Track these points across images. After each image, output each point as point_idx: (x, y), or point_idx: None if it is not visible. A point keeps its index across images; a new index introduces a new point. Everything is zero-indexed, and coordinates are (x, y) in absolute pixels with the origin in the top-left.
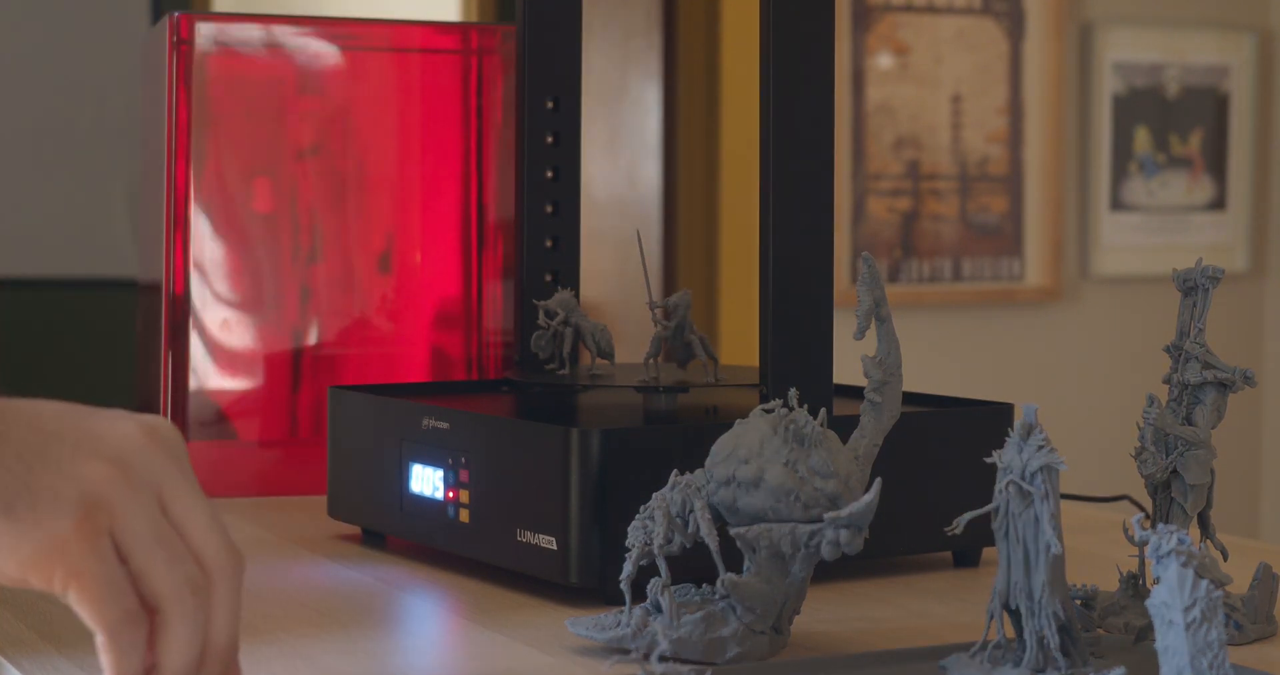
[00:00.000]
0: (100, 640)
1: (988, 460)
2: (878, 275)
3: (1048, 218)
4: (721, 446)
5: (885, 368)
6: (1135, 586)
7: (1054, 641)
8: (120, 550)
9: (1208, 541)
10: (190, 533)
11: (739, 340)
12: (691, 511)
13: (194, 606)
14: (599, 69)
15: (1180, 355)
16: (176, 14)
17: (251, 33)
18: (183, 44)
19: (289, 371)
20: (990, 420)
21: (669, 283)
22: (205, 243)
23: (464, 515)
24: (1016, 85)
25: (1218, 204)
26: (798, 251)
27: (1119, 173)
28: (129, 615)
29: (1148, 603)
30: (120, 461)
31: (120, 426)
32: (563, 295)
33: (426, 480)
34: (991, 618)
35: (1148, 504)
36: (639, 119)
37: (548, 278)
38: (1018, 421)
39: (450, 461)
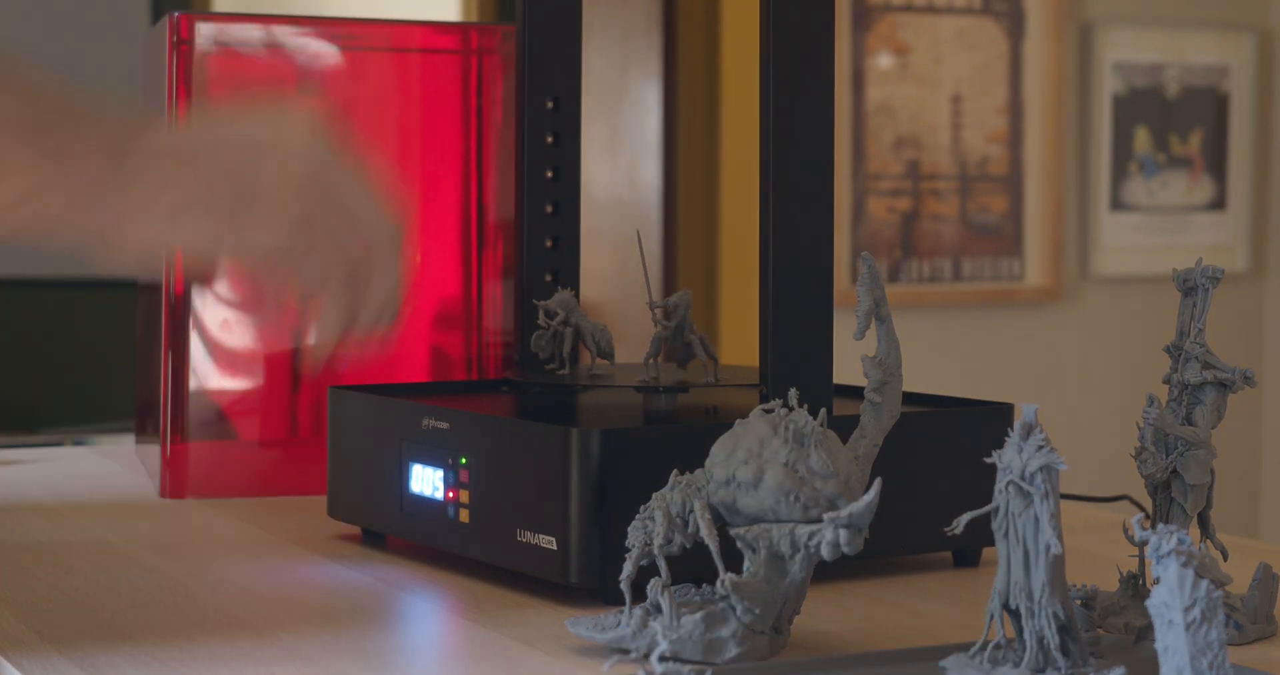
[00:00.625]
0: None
1: (988, 460)
2: (878, 275)
3: (1048, 218)
4: (721, 446)
5: (885, 368)
6: (1135, 586)
7: (1054, 641)
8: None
9: (1208, 541)
10: None
11: (739, 340)
12: (691, 511)
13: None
14: (599, 69)
15: (1180, 355)
16: (176, 14)
17: (251, 33)
18: (183, 44)
19: (289, 371)
20: (990, 420)
21: (669, 283)
22: None
23: (464, 515)
24: (1016, 85)
25: (1218, 204)
26: (798, 251)
27: (1119, 173)
28: None
29: (1148, 603)
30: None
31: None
32: (563, 295)
33: (426, 480)
34: (991, 618)
35: (1148, 504)
36: (639, 119)
37: (548, 278)
38: (1018, 421)
39: (450, 461)
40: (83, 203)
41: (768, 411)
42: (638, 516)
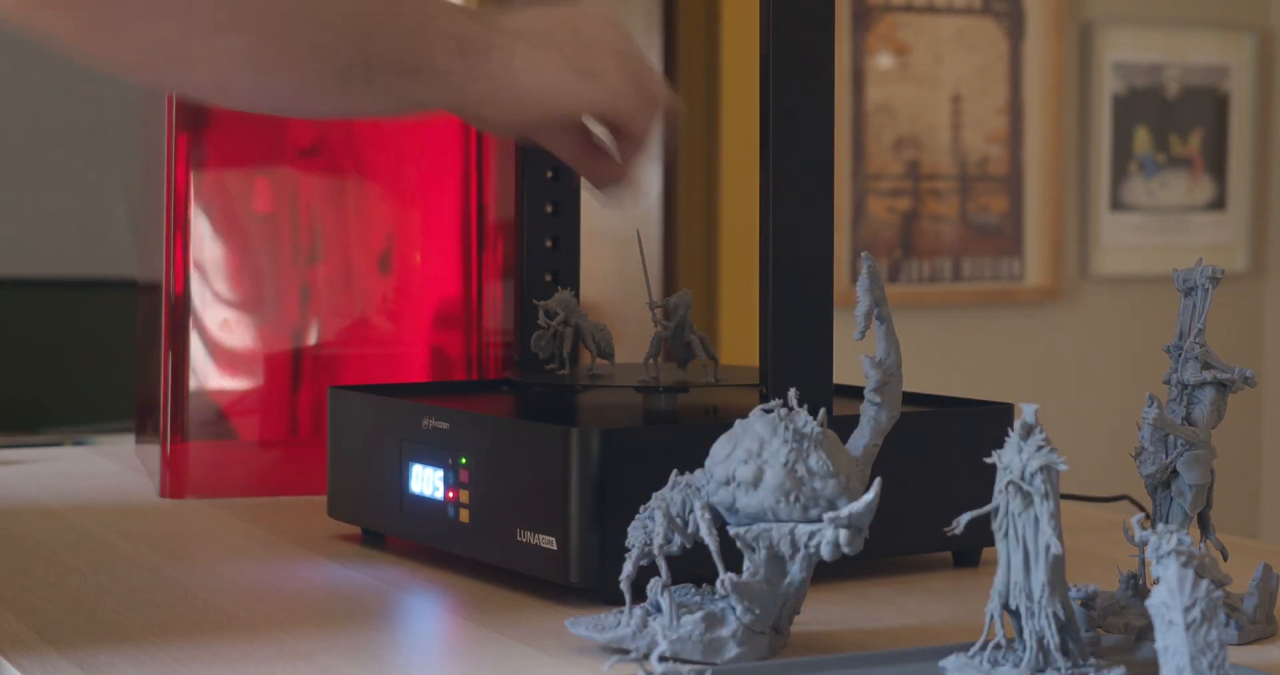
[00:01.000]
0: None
1: (988, 460)
2: (878, 276)
3: (1048, 218)
4: (721, 446)
5: (885, 368)
6: (1135, 586)
7: (1054, 641)
8: None
9: (1208, 541)
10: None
11: (739, 340)
12: (691, 511)
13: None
14: None
15: (1180, 355)
16: None
17: None
18: None
19: (289, 371)
20: (990, 420)
21: (669, 283)
22: (205, 243)
23: (464, 515)
24: (1016, 85)
25: (1218, 204)
26: (798, 251)
27: (1119, 173)
28: None
29: (1148, 603)
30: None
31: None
32: (563, 295)
33: (426, 480)
34: (991, 618)
35: (1148, 504)
36: None
37: (548, 278)
38: (1018, 421)
39: (450, 461)
40: (469, 67)
41: (768, 411)
42: (638, 516)
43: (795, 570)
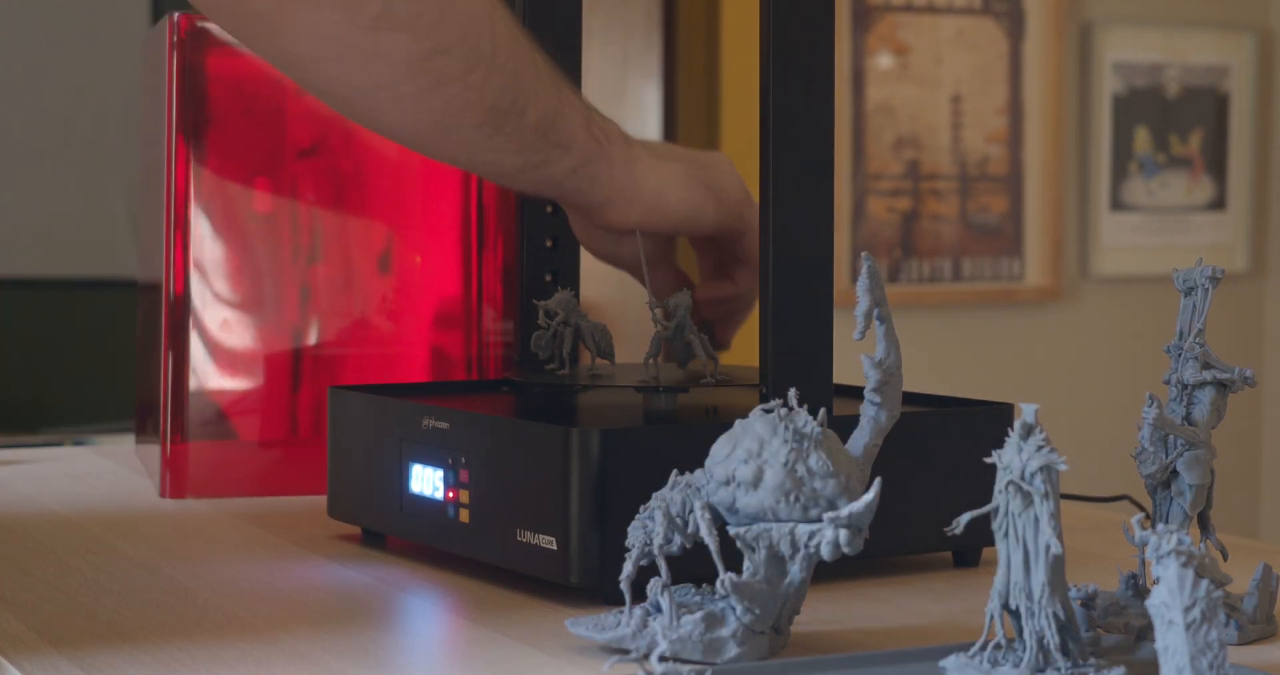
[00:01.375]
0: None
1: (988, 460)
2: (878, 276)
3: (1048, 218)
4: (721, 446)
5: (885, 368)
6: (1135, 586)
7: (1054, 641)
8: None
9: (1208, 541)
10: None
11: (739, 340)
12: (691, 511)
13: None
14: (599, 69)
15: (1180, 355)
16: (176, 14)
17: None
18: (183, 43)
19: (289, 371)
20: (990, 420)
21: None
22: (205, 243)
23: (464, 515)
24: (1016, 85)
25: (1218, 204)
26: (798, 251)
27: (1119, 173)
28: None
29: (1148, 603)
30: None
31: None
32: (563, 295)
33: (426, 480)
34: (991, 618)
35: (1148, 504)
36: (639, 119)
37: (548, 278)
38: (1018, 421)
39: (450, 461)
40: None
41: (768, 411)
42: (638, 516)
43: (795, 570)
